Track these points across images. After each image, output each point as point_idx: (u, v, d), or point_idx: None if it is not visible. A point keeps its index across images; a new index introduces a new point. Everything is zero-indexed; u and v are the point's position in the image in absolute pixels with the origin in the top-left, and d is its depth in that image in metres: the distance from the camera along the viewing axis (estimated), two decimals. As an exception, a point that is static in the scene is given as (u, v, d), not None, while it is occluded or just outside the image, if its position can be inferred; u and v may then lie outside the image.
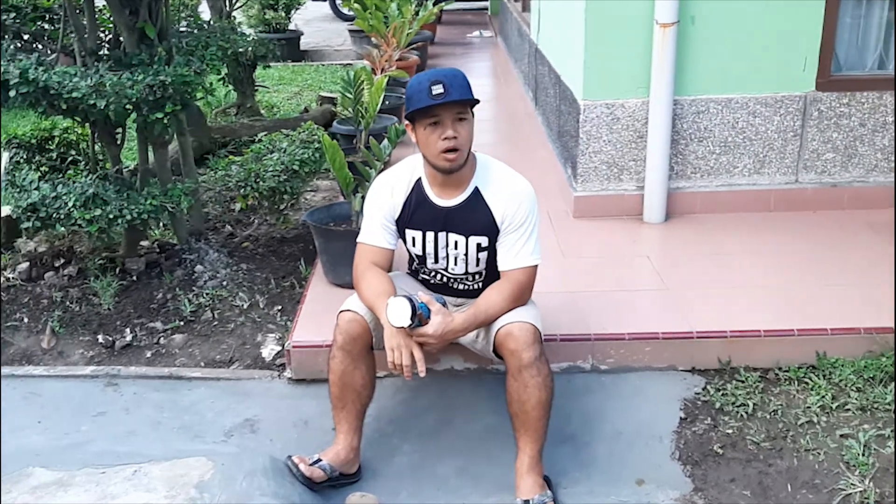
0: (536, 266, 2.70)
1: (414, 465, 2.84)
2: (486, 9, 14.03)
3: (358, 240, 2.78)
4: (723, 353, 3.14)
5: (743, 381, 3.05)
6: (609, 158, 4.30)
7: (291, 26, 10.77)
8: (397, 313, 2.47)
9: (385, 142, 3.66)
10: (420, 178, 2.72)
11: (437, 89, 2.47)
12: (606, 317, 3.29)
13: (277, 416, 3.06)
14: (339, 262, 3.54)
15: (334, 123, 5.63)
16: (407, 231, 2.74)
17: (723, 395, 2.99)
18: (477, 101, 2.57)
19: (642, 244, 4.06)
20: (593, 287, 3.57)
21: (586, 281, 3.63)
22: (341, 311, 2.71)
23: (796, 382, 3.04)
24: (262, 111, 7.06)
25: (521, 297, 2.68)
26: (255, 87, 6.96)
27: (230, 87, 6.74)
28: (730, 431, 2.82)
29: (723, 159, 4.29)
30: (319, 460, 2.67)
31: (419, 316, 2.50)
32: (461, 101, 2.51)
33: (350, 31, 10.79)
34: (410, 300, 2.48)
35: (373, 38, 7.15)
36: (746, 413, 2.89)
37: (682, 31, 4.00)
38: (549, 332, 3.14)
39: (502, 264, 2.69)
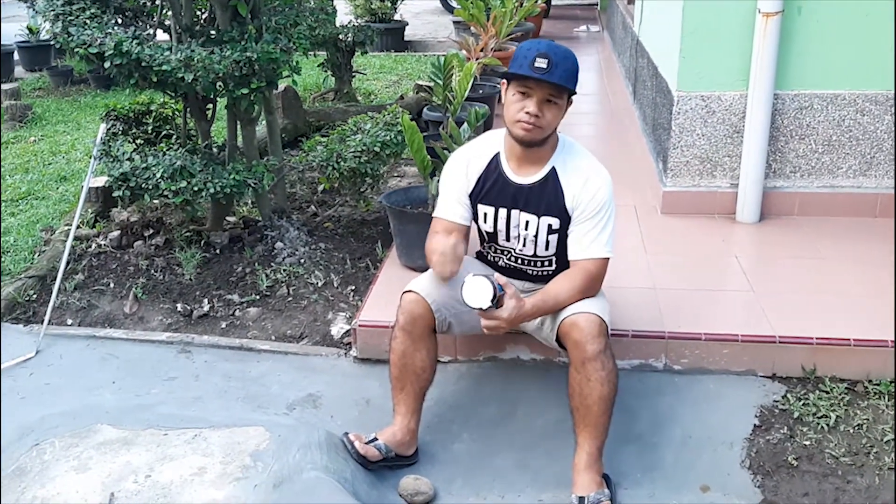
0: (608, 259, 2.59)
1: (472, 453, 2.79)
2: (596, 4, 13.79)
3: (433, 214, 2.74)
4: (807, 360, 2.95)
5: (827, 392, 2.86)
6: (702, 153, 4.12)
7: (397, 17, 10.84)
8: (478, 293, 2.37)
9: (465, 125, 3.61)
10: (498, 153, 2.65)
11: (541, 63, 2.38)
12: (683, 315, 3.14)
13: (340, 394, 3.07)
14: (412, 245, 3.51)
15: (424, 110, 5.61)
16: (479, 206, 2.68)
17: (804, 404, 2.81)
18: (574, 93, 2.48)
19: (732, 244, 3.87)
20: (673, 284, 3.42)
21: (666, 278, 3.48)
22: (405, 292, 2.68)
23: (886, 397, 2.82)
24: (360, 98, 7.12)
25: (591, 289, 2.58)
26: (353, 74, 7.03)
27: (328, 72, 6.83)
28: (807, 443, 2.65)
29: (825, 159, 4.04)
30: (375, 439, 2.65)
31: (500, 299, 2.41)
32: (557, 86, 2.41)
33: (454, 22, 10.77)
34: (491, 281, 2.38)
35: (472, 28, 7.11)
36: (828, 425, 2.71)
37: (787, 21, 3.79)
38: (621, 328, 3.03)
39: (572, 253, 2.60)
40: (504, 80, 2.52)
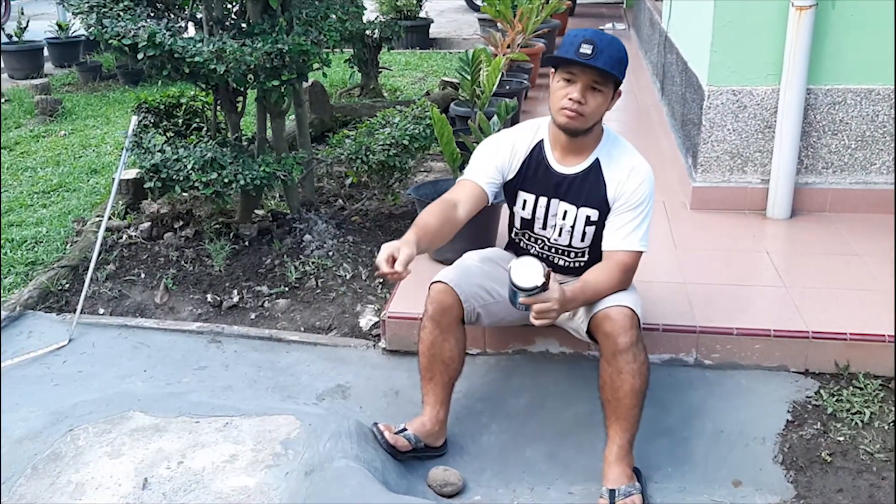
0: (641, 254, 2.57)
1: (501, 445, 2.78)
2: (621, 2, 13.72)
3: (458, 178, 2.71)
4: (841, 356, 2.91)
5: (861, 388, 2.82)
6: (733, 148, 4.09)
7: (422, 14, 10.85)
8: (528, 273, 2.28)
9: (495, 118, 3.61)
10: (542, 140, 2.63)
11: (586, 49, 2.35)
12: (715, 310, 3.12)
13: (369, 385, 3.07)
14: (441, 237, 3.50)
15: (451, 105, 5.61)
16: (519, 193, 2.66)
17: (837, 400, 2.78)
18: (620, 82, 2.44)
19: (763, 240, 3.83)
20: (704, 279, 3.39)
21: (697, 273, 3.46)
22: (433, 283, 2.67)
23: (921, 394, 2.79)
24: (385, 94, 7.14)
25: (624, 281, 2.57)
26: (379, 70, 7.04)
27: (354, 68, 6.85)
28: (841, 439, 2.62)
29: (858, 155, 4.00)
30: (405, 430, 2.65)
31: (548, 280, 2.29)
32: (602, 72, 2.38)
33: (480, 19, 10.76)
34: (543, 265, 2.29)
35: (499, 24, 7.11)
36: (862, 421, 2.67)
37: (821, 15, 3.74)
38: (652, 321, 3.01)
39: (608, 244, 2.57)
40: (552, 69, 2.49)
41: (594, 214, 2.58)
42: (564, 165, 2.60)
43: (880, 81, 3.87)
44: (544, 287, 2.30)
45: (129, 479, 2.42)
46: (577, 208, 2.59)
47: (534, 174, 2.62)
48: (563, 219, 2.62)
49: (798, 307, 3.13)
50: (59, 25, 9.12)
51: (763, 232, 3.93)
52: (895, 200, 3.95)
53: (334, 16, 3.71)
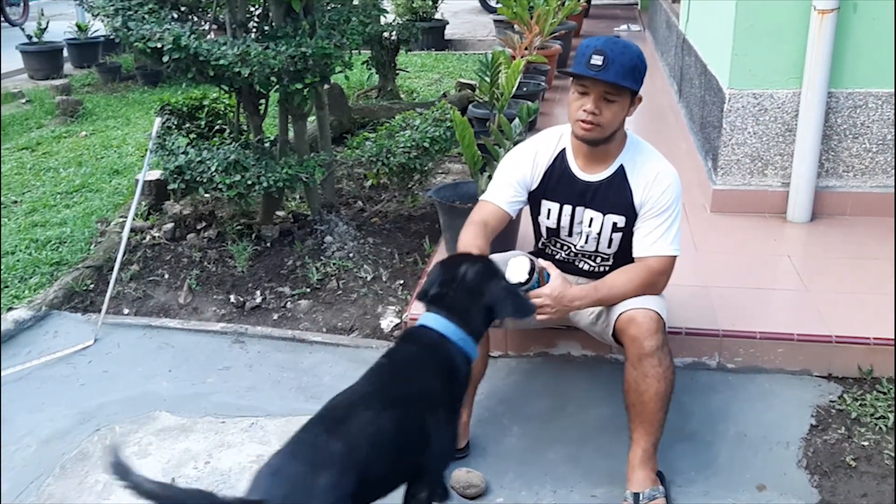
0: (674, 258, 2.54)
1: (523, 448, 2.79)
2: (636, 3, 13.70)
3: (480, 197, 2.71)
4: (864, 361, 2.91)
5: (885, 393, 2.82)
6: (753, 151, 4.09)
7: (437, 16, 10.87)
8: (516, 269, 2.37)
9: (516, 121, 3.62)
10: (565, 149, 2.62)
11: (596, 60, 2.33)
12: (737, 314, 3.12)
13: None
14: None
15: (469, 107, 5.63)
16: (543, 202, 2.65)
17: (861, 405, 2.78)
18: (635, 91, 2.42)
19: (784, 243, 3.83)
20: (726, 283, 3.39)
21: (718, 276, 3.46)
22: None
23: (946, 399, 2.78)
24: (402, 95, 7.16)
25: (652, 286, 2.54)
26: (397, 72, 7.07)
27: (372, 70, 6.88)
28: (865, 444, 2.61)
29: (879, 158, 3.98)
30: None
31: (539, 273, 2.39)
32: (613, 83, 2.35)
33: (495, 20, 10.78)
34: (530, 258, 2.39)
35: (515, 26, 7.12)
36: (886, 426, 2.67)
37: (842, 19, 3.74)
38: (675, 325, 3.01)
39: (638, 250, 2.56)
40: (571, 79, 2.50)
41: (621, 221, 2.57)
42: (588, 173, 2.59)
43: (902, 85, 3.86)
44: (529, 282, 2.36)
45: (157, 478, 2.44)
46: (604, 215, 2.58)
47: (557, 183, 2.61)
48: (590, 226, 2.61)
49: (820, 311, 3.12)
50: (79, 26, 9.20)
51: (783, 235, 3.93)
52: (895, 203, 3.94)
53: (356, 19, 3.73)
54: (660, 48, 8.63)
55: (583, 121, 2.42)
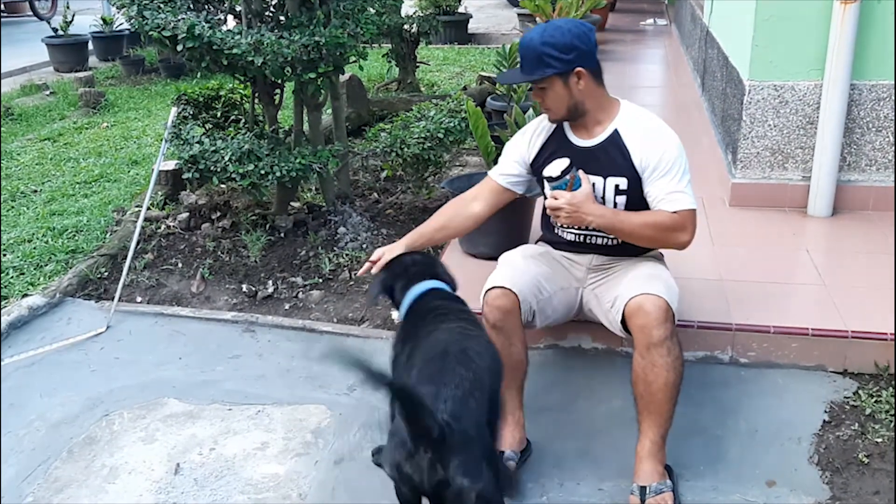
0: (694, 211, 2.53)
1: (532, 440, 2.76)
2: (663, -2, 13.57)
3: None
4: (881, 357, 2.85)
5: (902, 389, 2.76)
6: (773, 144, 4.02)
7: (461, 9, 10.84)
8: (555, 165, 2.52)
9: (530, 111, 3.59)
10: (563, 122, 2.67)
11: (518, 59, 2.55)
12: (751, 307, 3.07)
13: (400, 377, 3.07)
14: (475, 232, 3.47)
15: (488, 100, 5.60)
16: (545, 171, 2.65)
17: (876, 401, 2.72)
18: (563, 71, 2.47)
19: (803, 237, 3.76)
20: (741, 276, 3.34)
21: (734, 269, 3.41)
22: (488, 290, 2.60)
23: (963, 396, 2.71)
24: (423, 88, 7.14)
25: (673, 238, 2.53)
26: (417, 64, 7.05)
27: (392, 62, 6.87)
28: (879, 440, 2.56)
29: (903, 152, 3.91)
30: (502, 453, 2.56)
31: (571, 178, 2.48)
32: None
33: (519, 14, 10.75)
34: (572, 165, 2.50)
35: (538, 19, 7.08)
36: (901, 423, 2.61)
37: (866, 9, 3.66)
38: (687, 318, 2.97)
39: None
40: None
41: (623, 182, 2.56)
42: (583, 139, 2.62)
43: (927, 77, 3.78)
44: (559, 180, 2.50)
45: (162, 464, 2.46)
46: (605, 178, 2.58)
47: (556, 150, 2.64)
48: (594, 191, 2.59)
49: (837, 306, 3.06)
50: (104, 20, 9.28)
51: (803, 229, 3.86)
52: (895, 198, 3.86)
53: (371, 9, 3.72)
54: (685, 42, 8.54)
55: (542, 108, 2.62)
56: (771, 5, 3.81)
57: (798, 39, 3.83)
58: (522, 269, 2.66)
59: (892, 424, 2.63)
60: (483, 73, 7.41)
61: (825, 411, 2.71)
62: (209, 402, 2.77)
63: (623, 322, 2.53)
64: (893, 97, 3.81)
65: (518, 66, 2.58)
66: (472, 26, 11.17)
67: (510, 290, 2.55)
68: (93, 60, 9.32)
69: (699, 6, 7.07)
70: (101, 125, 6.39)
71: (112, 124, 6.42)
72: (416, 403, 1.80)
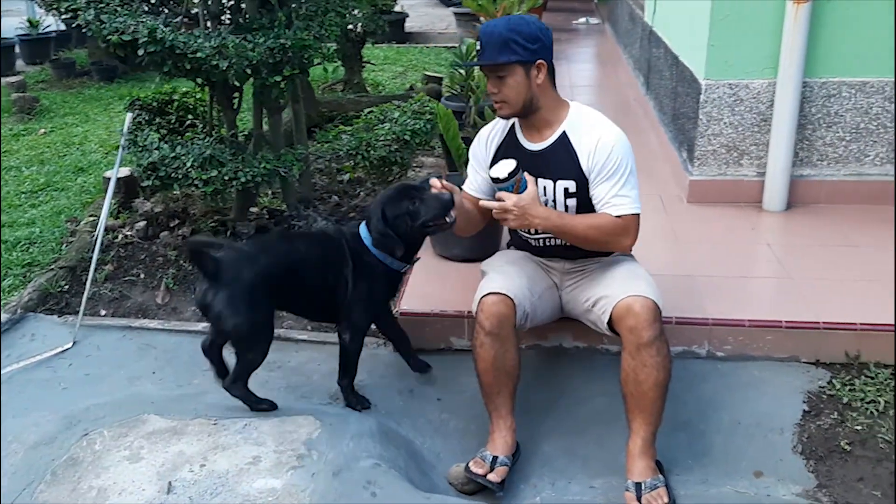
0: (637, 216, 2.57)
1: (519, 441, 2.77)
2: (593, -4, 13.76)
3: None
4: (851, 346, 2.95)
5: (873, 378, 2.86)
6: (729, 142, 4.13)
7: (397, 8, 10.79)
8: (501, 166, 2.53)
9: (486, 110, 3.60)
10: (515, 123, 2.71)
11: (479, 46, 2.53)
12: (724, 302, 3.15)
13: (382, 384, 3.05)
14: (448, 234, 3.48)
15: (442, 99, 5.58)
16: (492, 172, 2.67)
17: (850, 390, 2.82)
18: (526, 60, 2.49)
19: (762, 232, 3.88)
20: (710, 272, 3.42)
21: (702, 265, 3.49)
22: (483, 297, 2.60)
23: (933, 382, 2.83)
24: (368, 88, 7.09)
25: (616, 241, 2.59)
26: (363, 64, 7.00)
27: (338, 62, 6.79)
28: (858, 428, 2.65)
29: (853, 147, 4.05)
30: (496, 458, 2.57)
31: (517, 181, 2.50)
32: (491, 65, 2.51)
33: (456, 13, 10.77)
34: (518, 166, 2.51)
35: (481, 18, 7.09)
36: (877, 410, 2.71)
37: (817, 9, 3.79)
38: (665, 315, 2.99)
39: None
40: None
41: (572, 186, 2.60)
42: (533, 143, 2.65)
43: (874, 74, 3.93)
44: (505, 182, 2.50)
45: (152, 483, 2.38)
46: (554, 182, 2.61)
47: (507, 154, 2.66)
48: (545, 194, 2.63)
49: (806, 298, 3.17)
50: (31, 22, 8.93)
51: (761, 224, 3.98)
52: (895, 192, 4.00)
53: (334, 11, 3.67)
54: (622, 41, 8.68)
55: (493, 102, 2.58)
56: (726, 5, 3.91)
57: (752, 39, 3.93)
58: (512, 274, 2.68)
59: (892, 411, 2.72)
60: (428, 73, 7.41)
61: (804, 401, 2.80)
62: (192, 417, 2.69)
63: (610, 322, 2.57)
64: (894, 95, 3.94)
65: (477, 50, 2.57)
66: (409, 25, 11.15)
67: (507, 295, 2.56)
68: (20, 64, 8.95)
69: (638, 6, 7.20)
70: (39, 132, 6.15)
71: (50, 130, 6.19)
72: (199, 251, 2.58)
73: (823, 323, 2.98)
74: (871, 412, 2.71)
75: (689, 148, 4.31)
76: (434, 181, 2.65)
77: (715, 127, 4.11)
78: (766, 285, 3.35)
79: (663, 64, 5.43)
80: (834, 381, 2.88)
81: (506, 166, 2.52)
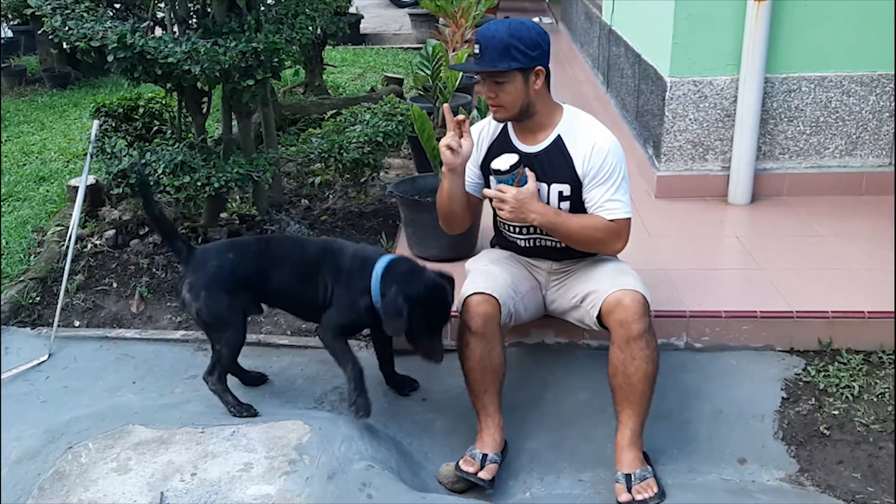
0: (629, 220, 2.62)
1: (507, 437, 2.80)
2: (544, -4, 13.89)
3: None
4: (823, 334, 3.04)
5: (845, 364, 2.95)
6: (694, 137, 4.21)
7: (352, 10, 10.75)
8: (503, 159, 2.55)
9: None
10: (507, 125, 2.70)
11: (476, 50, 2.50)
12: (700, 294, 3.21)
13: (368, 385, 3.02)
14: (425, 235, 3.51)
15: (407, 100, 5.59)
16: (493, 164, 2.68)
17: (825, 376, 2.90)
18: (526, 67, 2.48)
19: (729, 225, 3.97)
20: (684, 265, 3.49)
21: (676, 259, 3.56)
22: (468, 297, 2.61)
23: (903, 366, 2.93)
24: (329, 91, 7.06)
25: (609, 244, 2.63)
26: (324, 67, 6.96)
27: (299, 65, 6.74)
28: (836, 413, 2.74)
29: (813, 140, 4.17)
30: (486, 456, 2.59)
31: (518, 175, 2.52)
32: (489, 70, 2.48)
33: (411, 14, 10.77)
34: (520, 161, 2.53)
35: (441, 19, 7.11)
36: (852, 395, 2.80)
37: (777, 6, 3.89)
38: (646, 308, 3.08)
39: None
40: None
41: (566, 189, 2.62)
42: (527, 145, 2.66)
43: (832, 69, 4.05)
44: (506, 174, 2.53)
45: (144, 494, 2.35)
46: (549, 185, 2.63)
47: (499, 153, 2.65)
48: (538, 195, 2.63)
49: (777, 288, 3.25)
50: (-23, 28, 8.70)
51: (727, 217, 4.07)
52: (895, 184, 4.11)
53: (304, 13, 3.65)
54: (578, 40, 8.78)
55: (490, 106, 2.58)
56: (689, 4, 3.99)
57: (715, 36, 4.02)
58: (496, 274, 2.70)
59: (852, 398, 2.81)
60: (388, 74, 7.41)
61: (782, 389, 2.87)
62: (178, 426, 2.66)
63: (599, 316, 2.61)
64: (894, 89, 4.04)
65: (474, 53, 2.52)
66: (363, 26, 11.11)
67: (491, 294, 2.59)
68: (-34, 71, 8.71)
69: (595, 5, 7.29)
70: (-7, 141, 6.01)
71: (5, 140, 6.03)
72: (168, 231, 2.79)
73: (796, 312, 3.06)
74: (847, 397, 2.79)
75: (656, 144, 4.39)
76: (459, 116, 2.59)
77: (680, 123, 4.19)
78: (739, 277, 3.43)
79: (624, 62, 5.52)
80: (809, 367, 2.96)
81: (508, 159, 2.53)
